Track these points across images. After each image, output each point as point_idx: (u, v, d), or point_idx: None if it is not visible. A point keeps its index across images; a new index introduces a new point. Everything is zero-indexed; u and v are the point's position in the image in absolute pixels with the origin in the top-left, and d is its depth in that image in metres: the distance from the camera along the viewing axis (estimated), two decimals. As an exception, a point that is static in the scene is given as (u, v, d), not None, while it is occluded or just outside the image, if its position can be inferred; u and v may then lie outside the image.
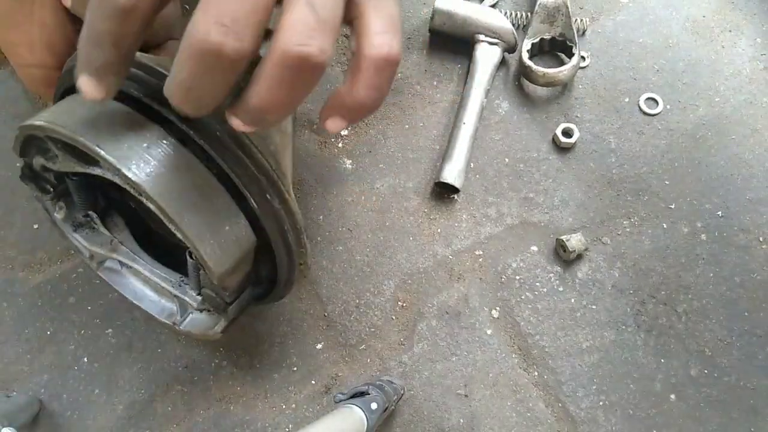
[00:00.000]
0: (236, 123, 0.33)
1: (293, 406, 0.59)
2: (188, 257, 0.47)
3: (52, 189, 0.50)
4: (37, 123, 0.40)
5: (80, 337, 0.61)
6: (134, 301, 0.54)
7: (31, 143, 0.46)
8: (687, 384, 0.61)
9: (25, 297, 0.62)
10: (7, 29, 0.48)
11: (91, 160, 0.41)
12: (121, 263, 0.53)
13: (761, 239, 0.65)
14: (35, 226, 0.64)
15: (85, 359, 0.60)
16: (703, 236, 0.65)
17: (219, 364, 0.60)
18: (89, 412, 0.59)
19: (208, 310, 0.50)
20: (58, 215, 0.52)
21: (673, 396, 0.60)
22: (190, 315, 0.50)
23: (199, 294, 0.50)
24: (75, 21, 0.49)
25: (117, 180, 0.40)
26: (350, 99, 0.33)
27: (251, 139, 0.40)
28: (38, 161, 0.47)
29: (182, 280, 0.51)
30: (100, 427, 0.58)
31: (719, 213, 0.66)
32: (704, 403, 0.60)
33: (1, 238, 0.63)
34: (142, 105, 0.39)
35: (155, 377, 0.60)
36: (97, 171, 0.41)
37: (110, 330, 0.61)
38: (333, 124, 0.34)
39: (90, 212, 0.52)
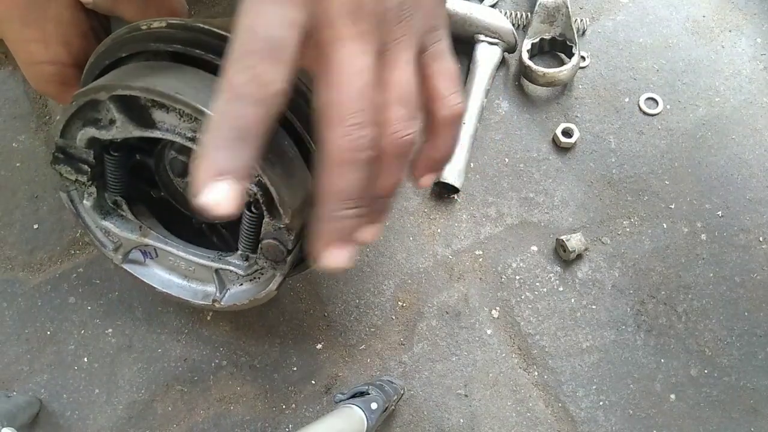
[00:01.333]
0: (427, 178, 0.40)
1: (293, 406, 0.59)
2: (246, 212, 0.49)
3: (89, 169, 0.48)
4: (106, 83, 0.43)
5: (80, 337, 0.61)
6: (163, 290, 0.54)
7: (82, 114, 0.45)
8: (687, 384, 0.61)
9: (25, 297, 0.62)
10: (20, 26, 0.48)
11: (150, 123, 0.44)
12: (145, 253, 0.53)
13: (761, 239, 0.65)
14: (35, 226, 0.64)
15: (85, 359, 0.60)
16: (703, 236, 0.65)
17: (219, 364, 0.60)
18: (89, 412, 0.59)
19: (254, 278, 0.52)
20: (87, 202, 0.51)
21: (673, 396, 0.60)
22: (229, 290, 0.53)
23: (246, 260, 0.51)
24: (91, 17, 0.50)
25: (178, 139, 0.43)
26: (437, 154, 0.39)
27: (306, 85, 0.43)
28: (86, 134, 0.46)
29: (220, 255, 0.53)
30: (100, 427, 0.58)
31: (719, 213, 0.66)
32: (704, 403, 0.60)
33: (1, 238, 0.63)
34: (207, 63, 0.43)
35: (155, 377, 0.60)
36: (156, 134, 0.43)
37: (110, 330, 0.61)
38: (428, 179, 0.40)
39: (119, 198, 0.51)
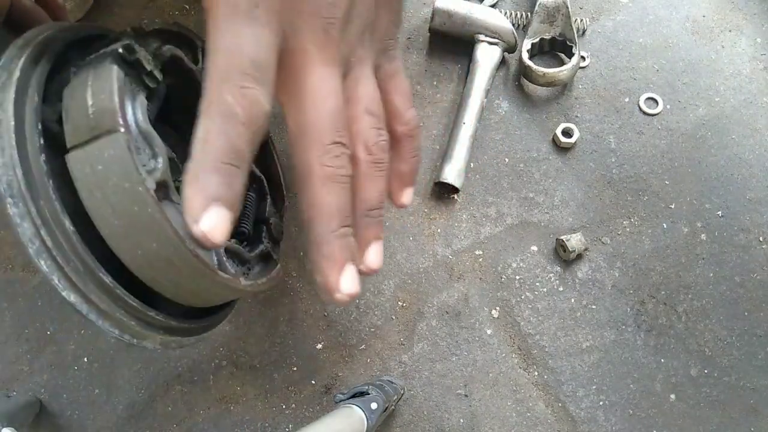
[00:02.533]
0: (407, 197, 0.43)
1: (293, 406, 0.59)
2: (254, 186, 0.50)
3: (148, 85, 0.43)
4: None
5: (80, 337, 0.61)
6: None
7: (163, 35, 0.43)
8: (687, 384, 0.61)
9: (25, 297, 0.62)
10: None
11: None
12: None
13: (761, 239, 0.65)
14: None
15: (85, 359, 0.60)
16: (703, 236, 0.65)
17: (219, 364, 0.60)
18: (89, 412, 0.59)
19: (260, 261, 0.50)
20: (142, 96, 0.41)
21: (673, 396, 0.60)
22: (249, 274, 0.49)
23: (244, 243, 0.50)
24: None
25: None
26: (405, 167, 0.42)
27: None
28: (170, 50, 0.43)
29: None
30: (100, 427, 0.58)
31: (719, 213, 0.66)
32: (704, 403, 0.60)
33: (1, 238, 0.63)
34: None
35: (155, 377, 0.60)
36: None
37: (110, 330, 0.61)
38: (407, 196, 0.43)
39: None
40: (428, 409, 0.60)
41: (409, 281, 0.64)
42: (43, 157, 0.34)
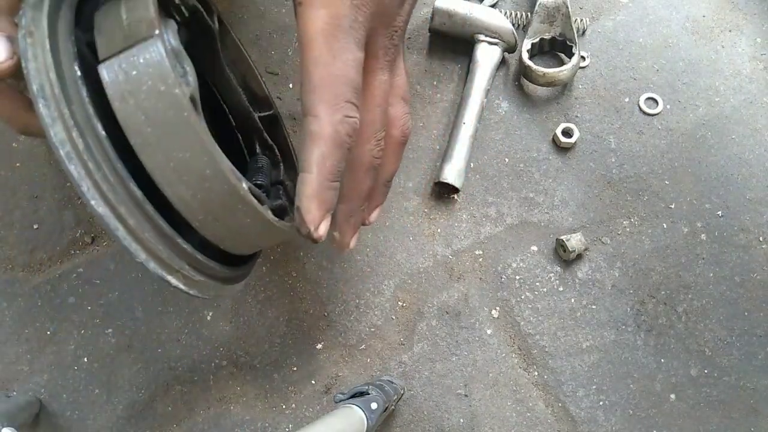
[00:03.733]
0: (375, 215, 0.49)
1: (293, 406, 0.59)
2: (262, 155, 0.52)
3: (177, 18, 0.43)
4: None
5: (80, 337, 0.61)
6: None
7: None
8: (687, 384, 0.61)
9: (25, 297, 0.62)
10: None
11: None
12: None
13: (761, 239, 0.65)
14: (35, 226, 0.64)
15: (85, 359, 0.60)
16: (703, 236, 0.65)
17: (219, 364, 0.60)
18: (89, 412, 0.59)
19: (276, 214, 0.48)
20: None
21: (673, 396, 0.60)
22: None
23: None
24: None
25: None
26: (384, 174, 0.45)
27: None
28: (193, 1, 0.43)
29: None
30: (100, 427, 0.58)
31: (719, 213, 0.66)
32: (704, 403, 0.60)
33: (1, 238, 0.63)
34: None
35: (155, 377, 0.60)
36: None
37: (110, 330, 0.61)
38: (375, 214, 0.48)
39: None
40: (428, 409, 0.60)
41: (409, 281, 0.64)
42: (77, 64, 0.33)
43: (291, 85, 0.70)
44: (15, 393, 0.58)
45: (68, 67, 0.33)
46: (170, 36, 0.36)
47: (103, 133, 0.33)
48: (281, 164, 0.55)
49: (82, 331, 0.61)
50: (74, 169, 0.31)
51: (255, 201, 0.36)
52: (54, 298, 0.62)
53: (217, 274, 0.39)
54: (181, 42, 0.38)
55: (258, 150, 0.54)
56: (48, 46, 0.32)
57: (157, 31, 0.32)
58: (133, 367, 0.60)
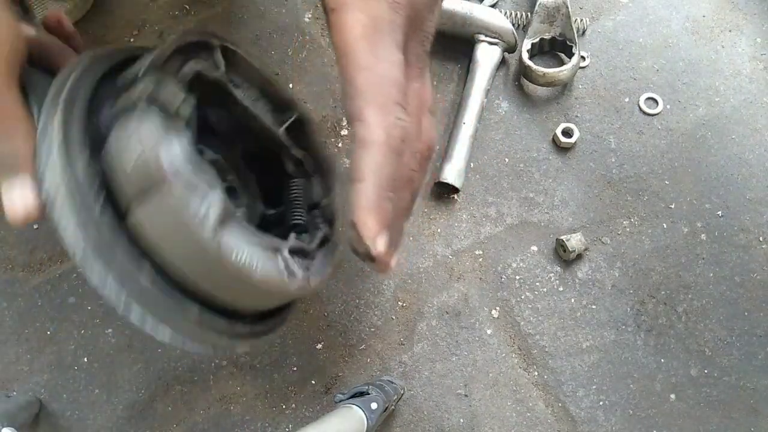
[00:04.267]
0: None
1: (293, 406, 0.59)
2: (294, 181, 0.51)
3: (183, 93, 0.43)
4: (212, 32, 0.45)
5: (80, 337, 0.61)
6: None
7: (186, 50, 0.44)
8: (687, 384, 0.61)
9: (25, 297, 0.62)
10: None
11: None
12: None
13: (761, 239, 0.65)
14: (35, 226, 0.64)
15: (85, 359, 0.60)
16: (703, 236, 0.65)
17: (219, 364, 0.60)
18: (89, 412, 0.59)
19: (321, 247, 0.49)
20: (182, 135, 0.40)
21: (673, 396, 0.60)
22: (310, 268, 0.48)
23: (303, 233, 0.51)
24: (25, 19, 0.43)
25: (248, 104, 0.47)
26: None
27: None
28: (191, 68, 0.44)
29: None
30: (100, 427, 0.58)
31: (719, 213, 0.66)
32: (704, 403, 0.60)
33: (1, 238, 0.63)
34: None
35: (155, 377, 0.60)
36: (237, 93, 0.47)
37: (110, 330, 0.61)
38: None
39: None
40: (428, 409, 0.60)
41: (409, 281, 0.64)
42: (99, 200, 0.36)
43: (291, 85, 0.70)
44: (15, 393, 0.58)
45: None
46: (181, 153, 0.36)
47: (148, 284, 0.35)
48: (312, 177, 0.53)
49: (82, 331, 0.61)
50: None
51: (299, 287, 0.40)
52: (54, 298, 0.62)
53: (261, 332, 0.44)
54: (195, 100, 0.41)
55: (290, 169, 0.53)
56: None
57: (167, 172, 0.33)
58: (133, 367, 0.60)
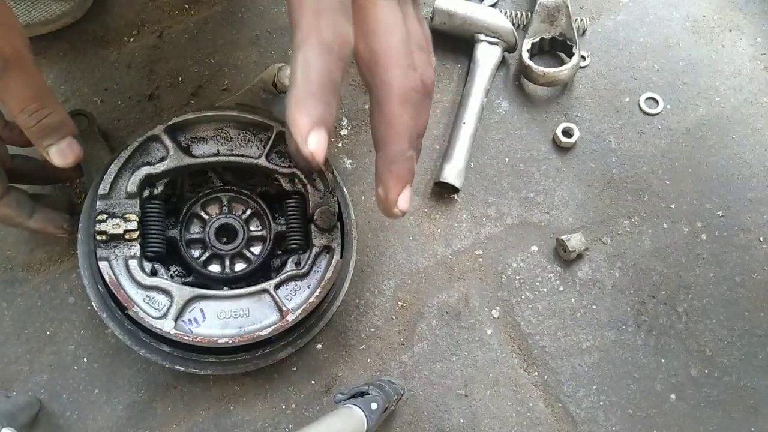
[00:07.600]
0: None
1: (293, 406, 0.59)
2: (290, 200, 0.56)
3: (136, 218, 0.53)
4: (184, 118, 0.55)
5: (80, 337, 0.61)
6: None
7: (132, 161, 0.54)
8: (687, 384, 0.61)
9: (25, 297, 0.62)
10: None
11: (193, 155, 0.56)
12: (190, 321, 0.53)
13: (761, 239, 0.65)
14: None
15: (85, 359, 0.60)
16: (704, 236, 0.65)
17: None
18: (89, 412, 0.58)
19: (312, 268, 0.55)
20: (133, 262, 0.53)
21: (673, 396, 0.60)
22: (293, 299, 0.55)
23: (297, 257, 0.56)
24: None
25: (222, 160, 0.56)
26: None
27: None
28: (139, 175, 0.54)
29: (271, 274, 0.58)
30: (100, 427, 0.58)
31: (719, 213, 0.66)
32: (704, 403, 0.60)
33: (1, 238, 0.63)
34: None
35: (155, 377, 0.60)
36: (200, 160, 0.56)
37: (110, 330, 0.61)
38: (406, 197, 0.42)
39: (157, 264, 0.56)
40: (428, 409, 0.60)
41: (409, 281, 0.64)
42: None
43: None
44: (15, 393, 0.58)
45: None
46: (133, 277, 0.54)
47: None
48: (309, 186, 0.57)
49: (82, 331, 0.61)
50: None
51: None
52: (54, 298, 0.62)
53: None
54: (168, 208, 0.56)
55: (286, 185, 0.57)
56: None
57: None
58: (133, 367, 0.60)
